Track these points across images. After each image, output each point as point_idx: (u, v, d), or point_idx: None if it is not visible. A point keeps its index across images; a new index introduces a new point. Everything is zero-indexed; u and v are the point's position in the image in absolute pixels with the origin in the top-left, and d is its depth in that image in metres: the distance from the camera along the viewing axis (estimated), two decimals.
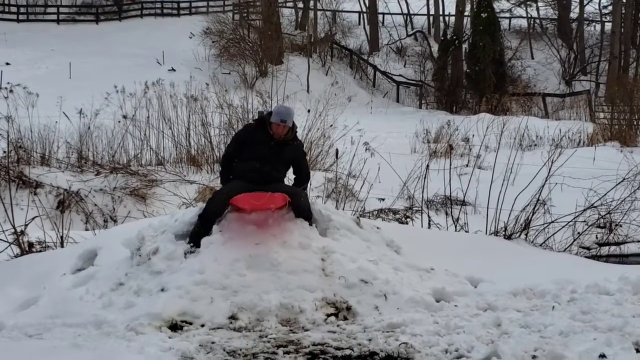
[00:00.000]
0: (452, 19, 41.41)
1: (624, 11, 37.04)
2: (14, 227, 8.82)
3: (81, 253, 7.45)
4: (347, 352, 5.39)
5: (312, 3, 42.27)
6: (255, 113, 12.63)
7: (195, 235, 6.95)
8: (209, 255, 6.68)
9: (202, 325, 5.94)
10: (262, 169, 7.13)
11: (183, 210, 8.32)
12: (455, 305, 6.46)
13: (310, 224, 7.19)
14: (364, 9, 46.97)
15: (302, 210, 7.19)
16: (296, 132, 7.51)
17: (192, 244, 6.86)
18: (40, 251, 8.68)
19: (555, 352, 5.15)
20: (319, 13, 42.35)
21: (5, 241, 8.75)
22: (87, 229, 10.91)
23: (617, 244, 9.73)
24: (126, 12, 48.28)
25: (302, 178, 7.56)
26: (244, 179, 7.14)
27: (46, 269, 7.24)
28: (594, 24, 48.88)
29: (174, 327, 5.91)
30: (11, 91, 14.57)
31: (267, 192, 6.96)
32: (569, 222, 9.26)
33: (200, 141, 14.59)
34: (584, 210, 9.50)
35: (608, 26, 42.22)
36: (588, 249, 9.50)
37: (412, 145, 19.06)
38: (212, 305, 6.15)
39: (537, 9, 49.81)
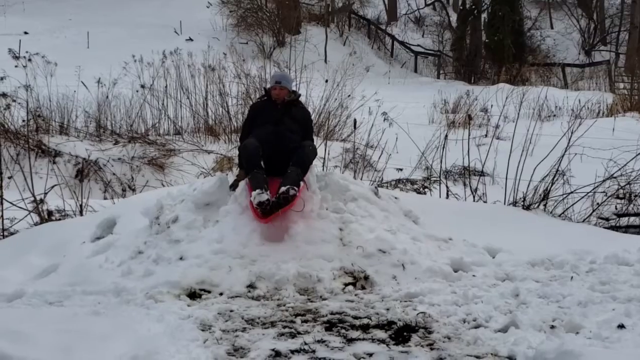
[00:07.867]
0: None
1: None
2: (33, 195, 8.87)
3: (100, 221, 7.49)
4: (365, 321, 5.39)
5: None
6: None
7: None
8: (227, 225, 6.71)
9: (221, 294, 5.95)
10: (277, 129, 7.19)
11: (202, 180, 8.34)
12: (474, 275, 6.45)
13: (304, 175, 7.09)
14: None
15: (300, 156, 7.10)
16: (299, 96, 7.69)
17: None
18: (59, 219, 8.74)
19: (573, 322, 5.14)
20: None
21: (25, 209, 8.81)
22: (105, 198, 10.97)
23: (637, 214, 9.68)
24: None
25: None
26: (261, 142, 7.12)
27: (66, 237, 7.29)
28: None
29: (193, 295, 5.93)
30: (30, 60, 14.59)
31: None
32: (588, 192, 9.21)
33: (217, 111, 14.61)
34: (604, 180, 9.43)
35: None
36: (607, 219, 9.46)
37: (430, 115, 19.00)
38: (230, 274, 6.16)
39: None
